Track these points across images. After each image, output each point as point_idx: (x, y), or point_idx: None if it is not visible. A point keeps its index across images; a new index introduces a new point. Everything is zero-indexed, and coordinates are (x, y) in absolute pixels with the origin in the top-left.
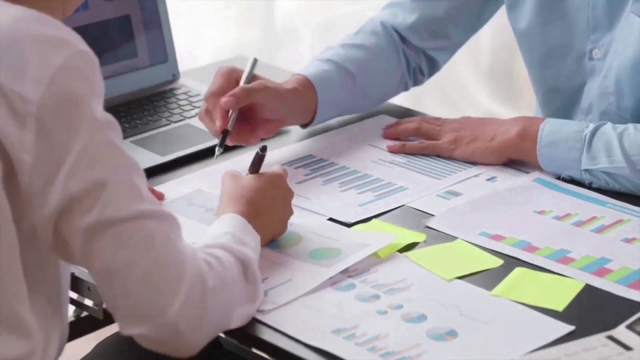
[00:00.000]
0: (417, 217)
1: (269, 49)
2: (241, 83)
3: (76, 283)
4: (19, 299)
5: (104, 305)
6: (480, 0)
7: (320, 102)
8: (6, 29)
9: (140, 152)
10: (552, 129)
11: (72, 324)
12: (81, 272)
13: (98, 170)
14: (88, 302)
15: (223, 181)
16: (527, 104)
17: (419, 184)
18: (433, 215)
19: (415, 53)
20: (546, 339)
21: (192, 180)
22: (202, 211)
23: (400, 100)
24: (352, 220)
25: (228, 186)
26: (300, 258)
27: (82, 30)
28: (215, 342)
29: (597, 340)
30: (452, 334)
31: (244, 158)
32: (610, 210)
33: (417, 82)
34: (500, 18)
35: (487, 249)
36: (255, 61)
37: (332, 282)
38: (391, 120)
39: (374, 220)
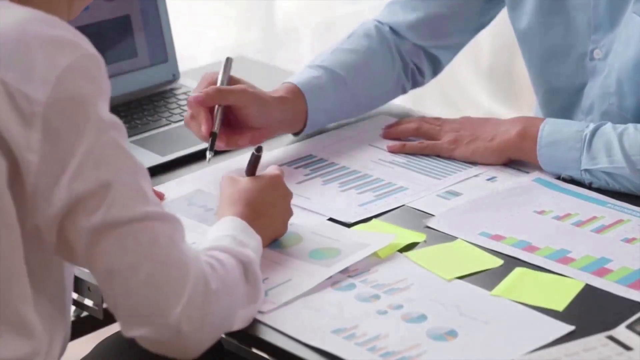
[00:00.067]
0: (417, 217)
1: (269, 49)
2: (218, 84)
3: (76, 283)
4: (22, 299)
5: (104, 305)
6: (481, 0)
7: (310, 109)
8: (13, 30)
9: (140, 152)
10: (552, 129)
11: (72, 324)
12: (81, 272)
13: (104, 171)
14: (88, 302)
15: (221, 184)
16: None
17: (419, 184)
18: (433, 215)
19: (415, 53)
20: (546, 339)
21: (192, 180)
22: (202, 211)
23: (400, 100)
24: (352, 220)
25: (227, 189)
26: (300, 258)
27: (82, 30)
28: (216, 342)
29: (597, 340)
30: (452, 334)
31: (244, 158)
32: (610, 210)
33: (416, 84)
34: (500, 18)
35: (487, 249)
36: (228, 61)
37: (332, 282)
38: (391, 120)
39: (374, 220)
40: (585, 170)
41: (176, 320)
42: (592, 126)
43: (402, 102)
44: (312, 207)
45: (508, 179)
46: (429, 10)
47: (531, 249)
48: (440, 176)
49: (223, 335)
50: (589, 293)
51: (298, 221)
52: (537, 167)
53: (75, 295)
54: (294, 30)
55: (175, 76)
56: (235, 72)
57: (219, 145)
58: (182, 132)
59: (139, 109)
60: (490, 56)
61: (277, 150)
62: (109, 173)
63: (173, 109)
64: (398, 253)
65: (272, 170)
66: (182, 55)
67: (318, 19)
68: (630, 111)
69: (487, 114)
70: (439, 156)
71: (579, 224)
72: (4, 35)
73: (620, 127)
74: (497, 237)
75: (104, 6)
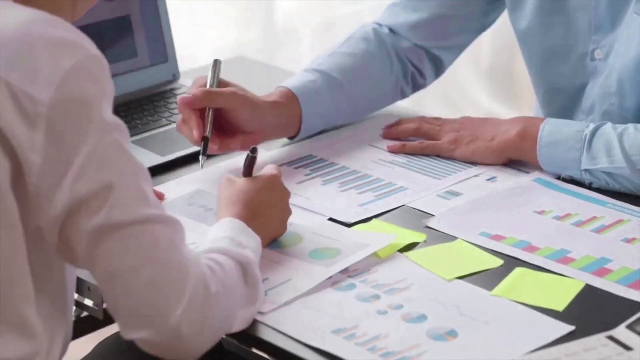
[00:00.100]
0: (417, 217)
1: (269, 49)
2: (207, 86)
3: (76, 283)
4: (24, 299)
5: (104, 305)
6: (482, 1)
7: (304, 113)
8: (17, 30)
9: (140, 152)
10: (552, 129)
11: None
12: (82, 272)
13: (106, 172)
14: (88, 302)
15: (219, 186)
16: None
17: (419, 184)
18: (433, 215)
19: (416, 54)
20: (546, 339)
21: (192, 180)
22: (202, 211)
23: (401, 100)
24: (352, 220)
25: (224, 190)
26: (300, 258)
27: (82, 30)
28: (216, 343)
29: (597, 340)
30: (452, 334)
31: (243, 158)
32: (610, 210)
33: (417, 87)
34: (500, 18)
35: (487, 249)
36: (217, 63)
37: (332, 282)
38: (391, 120)
39: (374, 220)
40: (585, 170)
41: (176, 323)
42: (592, 126)
43: (402, 102)
44: (312, 207)
45: (508, 179)
46: (431, 11)
47: (531, 249)
48: (440, 176)
49: (223, 336)
50: (589, 293)
51: (298, 221)
52: (537, 167)
53: (75, 295)
54: (294, 30)
55: (175, 76)
56: (235, 72)
57: (212, 148)
58: None
59: (139, 109)
60: (490, 56)
61: (277, 150)
62: (111, 175)
63: (173, 109)
64: (398, 253)
65: (269, 170)
66: (182, 55)
67: (318, 19)
68: (631, 111)
69: (487, 114)
70: (439, 156)
71: (579, 224)
72: (8, 35)
73: (620, 127)
74: (497, 237)
75: (104, 6)
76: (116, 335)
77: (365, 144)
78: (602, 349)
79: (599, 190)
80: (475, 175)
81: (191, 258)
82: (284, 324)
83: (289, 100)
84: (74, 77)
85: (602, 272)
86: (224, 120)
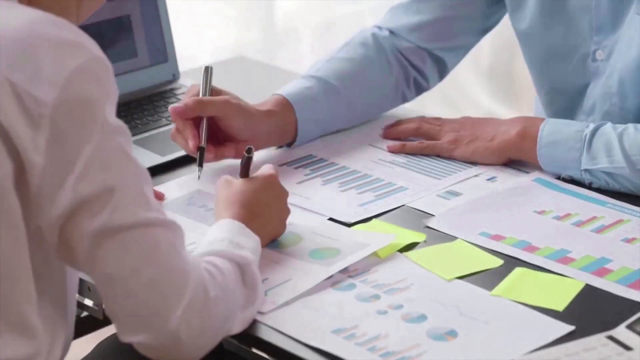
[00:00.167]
0: (417, 217)
1: (269, 49)
2: (200, 95)
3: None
4: (26, 300)
5: (104, 305)
6: (483, 3)
7: (300, 121)
8: (23, 31)
9: (140, 152)
10: (552, 129)
11: None
12: (82, 272)
13: (108, 174)
14: (88, 302)
15: (217, 188)
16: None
17: (419, 184)
18: (433, 215)
19: (418, 56)
20: (546, 339)
21: (192, 180)
22: (202, 211)
23: None
24: (352, 220)
25: (222, 191)
26: (300, 258)
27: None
28: None
29: (597, 340)
30: (452, 334)
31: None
32: (610, 210)
33: (420, 91)
34: None
35: (487, 249)
36: (207, 70)
37: (332, 282)
38: (391, 120)
39: (374, 220)
40: (585, 170)
41: (175, 327)
42: (592, 126)
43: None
44: (312, 207)
45: (508, 179)
46: (433, 13)
47: (531, 249)
48: (440, 176)
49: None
50: (589, 293)
51: (298, 221)
52: (537, 167)
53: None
54: (294, 30)
55: (175, 76)
56: (235, 72)
57: (208, 157)
58: None
59: (139, 109)
60: (490, 56)
61: (277, 151)
62: (113, 177)
63: None
64: (398, 253)
65: (267, 170)
66: (182, 55)
67: (318, 19)
68: (632, 112)
69: (487, 114)
70: (439, 156)
71: (579, 224)
72: (12, 36)
73: (620, 127)
74: (497, 237)
75: (104, 6)
76: (116, 336)
77: (365, 144)
78: (602, 349)
79: (599, 190)
80: (475, 175)
81: (191, 262)
82: (284, 324)
83: (283, 109)
84: (78, 78)
85: (602, 272)
86: (217, 128)
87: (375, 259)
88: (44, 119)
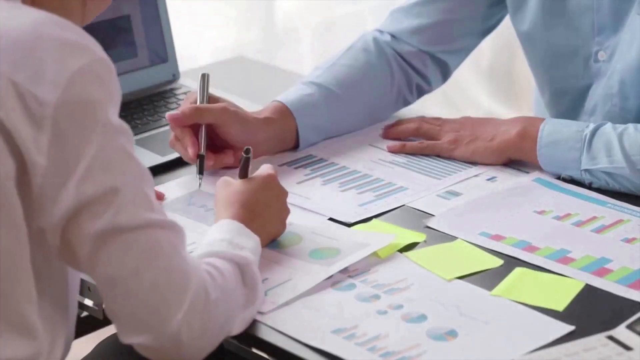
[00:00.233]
0: (417, 217)
1: (269, 49)
2: (198, 102)
3: None
4: (26, 300)
5: (104, 305)
6: (483, 5)
7: (301, 128)
8: (26, 31)
9: (141, 152)
10: (552, 129)
11: None
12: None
13: (111, 176)
14: (88, 302)
15: (216, 189)
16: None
17: (419, 184)
18: (433, 215)
19: (420, 60)
20: (546, 339)
21: (192, 180)
22: (202, 211)
23: None
24: (352, 220)
25: (221, 192)
26: (300, 258)
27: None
28: None
29: (597, 340)
30: (452, 334)
31: None
32: (610, 210)
33: (421, 94)
34: None
35: (487, 249)
36: (204, 77)
37: (332, 282)
38: (391, 120)
39: (374, 220)
40: (585, 170)
41: (176, 328)
42: (592, 126)
43: None
44: (312, 207)
45: (508, 179)
46: (433, 16)
47: (531, 249)
48: (440, 176)
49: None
50: (589, 293)
51: (298, 221)
52: (537, 167)
53: None
54: (294, 30)
55: (175, 76)
56: (235, 72)
57: (207, 164)
58: None
59: (139, 109)
60: (490, 56)
61: None
62: (116, 178)
63: (173, 109)
64: (398, 253)
65: (265, 170)
66: (182, 55)
67: (318, 19)
68: (632, 112)
69: (487, 114)
70: (439, 156)
71: (579, 224)
72: (16, 36)
73: (620, 127)
74: (497, 237)
75: None
76: (116, 336)
77: (365, 144)
78: (602, 349)
79: (599, 190)
80: (475, 175)
81: (192, 264)
82: (284, 324)
83: (282, 116)
84: (81, 79)
85: (602, 272)
86: (215, 136)
87: (375, 259)
88: (46, 119)
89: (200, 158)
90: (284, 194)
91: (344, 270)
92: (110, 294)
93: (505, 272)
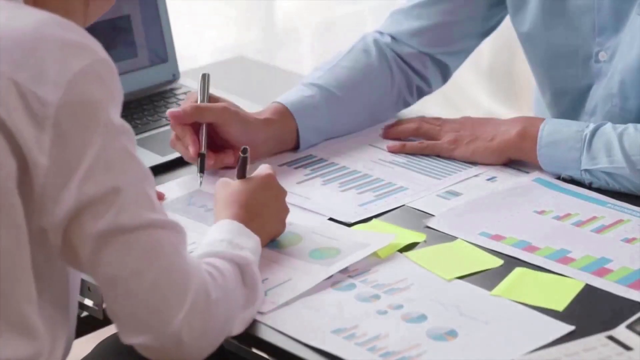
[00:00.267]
0: (417, 217)
1: (269, 49)
2: (199, 102)
3: None
4: (27, 300)
5: (104, 306)
6: (483, 6)
7: (301, 129)
8: (28, 32)
9: (141, 152)
10: (552, 129)
11: None
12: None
13: (113, 176)
14: (88, 302)
15: (215, 190)
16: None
17: (419, 184)
18: (433, 215)
19: (420, 61)
20: (546, 339)
21: (192, 180)
22: (202, 211)
23: None
24: (352, 220)
25: (220, 193)
26: (300, 258)
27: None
28: None
29: (597, 340)
30: (452, 334)
31: None
32: (610, 210)
33: (421, 95)
34: None
35: (487, 249)
36: (204, 77)
37: (332, 282)
38: (391, 120)
39: (374, 220)
40: (585, 170)
41: (177, 329)
42: (592, 126)
43: None
44: (312, 207)
45: (508, 179)
46: (433, 18)
47: (531, 249)
48: (440, 176)
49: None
50: (589, 293)
51: (298, 221)
52: (537, 167)
53: None
54: (294, 30)
55: (175, 76)
56: (235, 72)
57: (208, 163)
58: None
59: (139, 109)
60: (490, 56)
61: None
62: (118, 178)
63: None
64: (398, 253)
65: (263, 170)
66: (182, 55)
67: (318, 19)
68: (633, 113)
69: (487, 114)
70: (439, 156)
71: (579, 224)
72: (18, 36)
73: (620, 127)
74: (497, 237)
75: None
76: (116, 336)
77: (365, 144)
78: (602, 349)
79: (599, 190)
80: (475, 175)
81: (193, 265)
82: (284, 324)
83: (282, 117)
84: (83, 80)
85: (602, 272)
86: (215, 135)
87: (375, 259)
88: (48, 119)
89: (201, 157)
90: (283, 193)
91: (344, 270)
92: (111, 294)
93: (505, 272)
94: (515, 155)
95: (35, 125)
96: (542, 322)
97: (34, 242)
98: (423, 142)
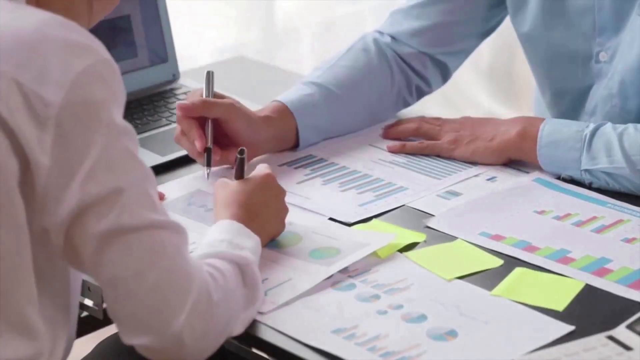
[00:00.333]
0: (417, 217)
1: (269, 49)
2: (203, 96)
3: None
4: (27, 300)
5: (104, 306)
6: (483, 7)
7: (301, 127)
8: (31, 32)
9: (141, 152)
10: (552, 129)
11: None
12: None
13: (115, 176)
14: (88, 302)
15: (214, 190)
16: (527, 104)
17: (419, 184)
18: (433, 215)
19: (420, 61)
20: (546, 339)
21: (192, 180)
22: (202, 211)
23: None
24: (352, 220)
25: (219, 193)
26: (300, 258)
27: None
28: None
29: (597, 340)
30: (452, 334)
31: None
32: (610, 210)
33: (421, 95)
34: None
35: (487, 249)
36: (209, 74)
37: (332, 282)
38: (391, 120)
39: (374, 220)
40: (585, 170)
41: (178, 330)
42: (592, 126)
43: None
44: (312, 207)
45: (508, 179)
46: (433, 18)
47: (531, 249)
48: (440, 176)
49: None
50: (589, 293)
51: (298, 221)
52: (537, 167)
53: None
54: (294, 30)
55: (175, 76)
56: (235, 72)
57: (214, 158)
58: None
59: (139, 109)
60: (490, 56)
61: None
62: (120, 179)
63: (173, 109)
64: (398, 253)
65: (262, 170)
66: (182, 55)
67: (318, 19)
68: (633, 113)
69: (487, 114)
70: (439, 156)
71: (579, 224)
72: (20, 36)
73: (620, 127)
74: (497, 237)
75: None
76: (116, 336)
77: (365, 144)
78: (602, 349)
79: (599, 190)
80: (475, 175)
81: (195, 266)
82: (284, 324)
83: (281, 115)
84: (85, 80)
85: (602, 272)
86: (219, 132)
87: (375, 259)
88: (50, 119)
89: (208, 151)
90: (282, 193)
91: (344, 270)
92: (112, 294)
93: (505, 272)
94: (515, 155)
95: (38, 126)
96: (542, 322)
97: (35, 242)
98: (423, 142)
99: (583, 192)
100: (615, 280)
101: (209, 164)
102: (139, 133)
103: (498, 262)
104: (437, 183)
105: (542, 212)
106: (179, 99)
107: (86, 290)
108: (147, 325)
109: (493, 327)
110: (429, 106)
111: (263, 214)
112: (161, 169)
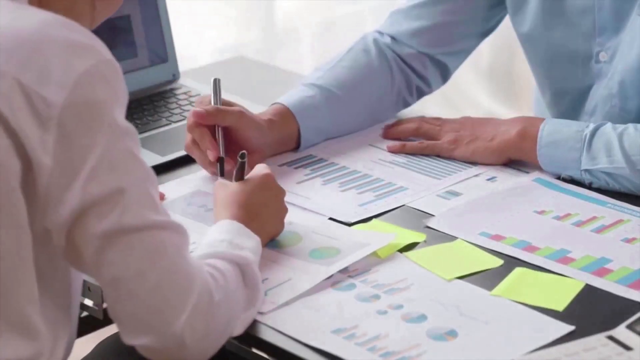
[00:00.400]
0: (417, 217)
1: (269, 49)
2: (212, 104)
3: None
4: (28, 300)
5: (104, 305)
6: (483, 7)
7: (303, 129)
8: (33, 32)
9: (141, 152)
10: (552, 129)
11: None
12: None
13: (117, 176)
14: (88, 302)
15: (214, 191)
16: (527, 104)
17: (419, 184)
18: (433, 215)
19: (420, 62)
20: (546, 339)
21: (192, 180)
22: (202, 211)
23: None
24: (352, 220)
25: (219, 194)
26: (300, 258)
27: None
28: None
29: (597, 340)
30: (452, 334)
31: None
32: (610, 210)
33: (421, 95)
34: None
35: (487, 249)
36: (217, 82)
37: (332, 282)
38: (391, 120)
39: (374, 220)
40: (585, 170)
41: (179, 330)
42: (592, 126)
43: None
44: (312, 207)
45: (508, 179)
46: (433, 18)
47: (531, 249)
48: (440, 176)
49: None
50: (589, 293)
51: (298, 221)
52: (537, 167)
53: None
54: (294, 30)
55: (175, 76)
56: (235, 72)
57: (226, 168)
58: (182, 132)
59: (139, 109)
60: (490, 56)
61: None
62: (122, 179)
63: (173, 109)
64: (398, 253)
65: (261, 170)
66: (182, 55)
67: (318, 19)
68: (632, 113)
69: (487, 114)
70: (439, 156)
71: (579, 224)
72: (23, 36)
73: (620, 127)
74: (497, 237)
75: None
76: (116, 336)
77: (365, 144)
78: (602, 349)
79: (599, 190)
80: (475, 175)
81: (196, 266)
82: (284, 324)
83: (282, 118)
84: (87, 80)
85: (602, 272)
86: (227, 139)
87: (375, 259)
88: (52, 120)
89: (220, 161)
90: (281, 193)
91: (344, 270)
92: (113, 294)
93: (505, 272)
94: (515, 155)
95: (40, 126)
96: (542, 322)
97: (36, 242)
98: (423, 142)
99: (583, 192)
100: (615, 280)
101: (222, 174)
102: (139, 133)
103: (498, 262)
104: (437, 183)
105: (542, 212)
106: (179, 99)
107: (86, 290)
108: (148, 326)
109: (493, 327)
110: (429, 106)
111: (263, 214)
112: (161, 169)
